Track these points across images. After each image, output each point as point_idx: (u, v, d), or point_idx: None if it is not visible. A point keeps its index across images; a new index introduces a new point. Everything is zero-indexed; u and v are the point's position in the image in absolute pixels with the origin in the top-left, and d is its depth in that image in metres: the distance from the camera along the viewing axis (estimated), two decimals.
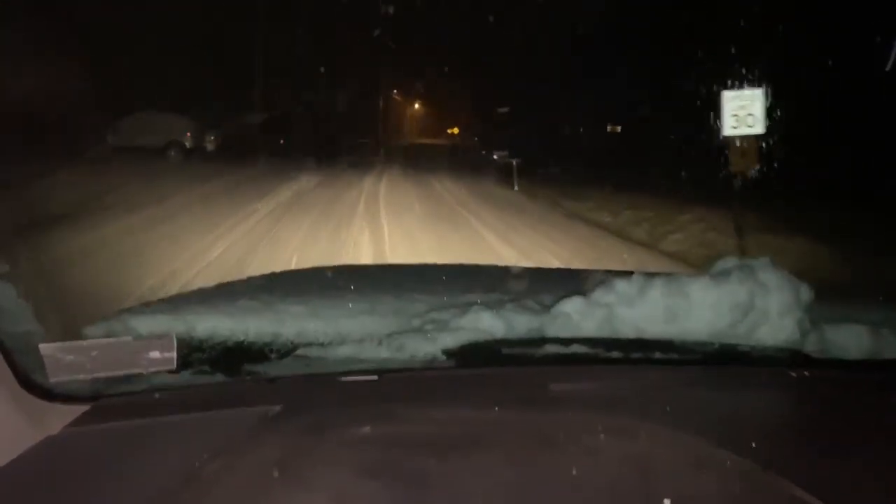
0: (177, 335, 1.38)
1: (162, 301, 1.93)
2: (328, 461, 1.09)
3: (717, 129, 9.05)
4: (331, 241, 9.27)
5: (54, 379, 1.21)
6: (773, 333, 1.65)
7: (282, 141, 27.77)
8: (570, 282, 1.97)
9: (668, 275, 1.81)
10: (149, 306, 1.80)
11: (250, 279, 2.34)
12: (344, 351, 1.60)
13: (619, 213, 13.63)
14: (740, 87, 8.87)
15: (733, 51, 10.91)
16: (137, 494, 1.04)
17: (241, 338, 1.65)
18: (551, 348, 1.63)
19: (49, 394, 1.22)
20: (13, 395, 1.15)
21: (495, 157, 23.59)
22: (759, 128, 8.38)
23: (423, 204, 14.23)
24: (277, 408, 1.27)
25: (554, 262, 8.45)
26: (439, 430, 1.23)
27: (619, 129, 25.21)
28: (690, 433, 1.18)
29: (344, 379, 1.46)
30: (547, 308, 1.77)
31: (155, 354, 1.29)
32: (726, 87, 8.84)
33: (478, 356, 1.63)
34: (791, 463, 1.10)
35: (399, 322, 1.77)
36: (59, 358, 1.21)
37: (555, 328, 1.70)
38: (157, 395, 1.37)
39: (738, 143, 8.80)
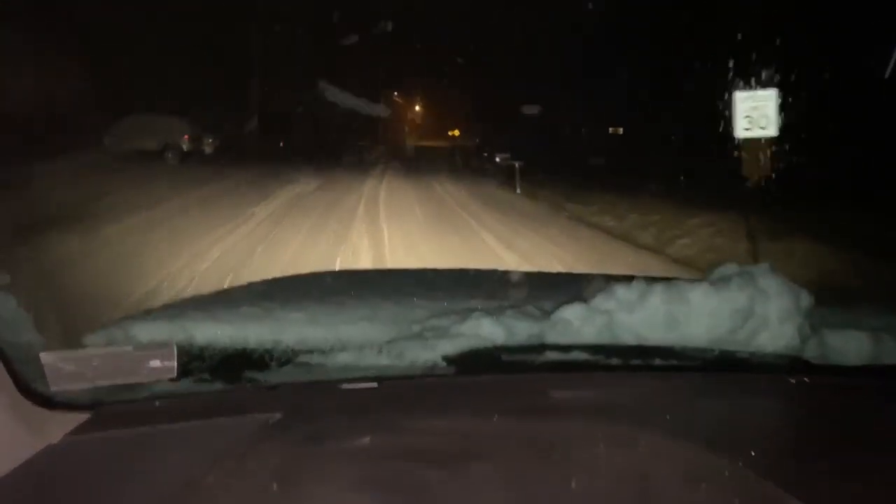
0: (177, 343, 1.40)
1: (162, 308, 1.94)
2: (327, 472, 1.11)
3: (725, 131, 8.95)
4: (329, 247, 9.23)
5: (55, 388, 1.23)
6: (773, 340, 1.67)
7: (281, 143, 27.83)
8: (571, 287, 1.99)
9: (668, 281, 1.83)
10: (149, 313, 1.82)
11: (250, 285, 2.36)
12: (344, 358, 1.61)
13: (624, 216, 13.55)
14: (746, 87, 8.71)
15: (738, 50, 10.85)
16: (138, 503, 1.06)
17: (242, 345, 1.66)
18: (551, 355, 1.65)
19: (49, 402, 1.24)
20: (14, 403, 1.17)
21: (497, 159, 23.57)
22: (772, 130, 8.23)
23: (425, 207, 14.21)
24: (278, 415, 1.29)
25: (558, 269, 8.43)
26: (439, 440, 1.24)
27: (620, 130, 25.21)
28: (690, 442, 1.20)
29: (344, 386, 1.47)
30: (547, 314, 1.79)
31: (155, 363, 1.30)
32: (729, 87, 8.73)
33: (478, 363, 1.64)
34: (790, 473, 1.11)
35: (399, 328, 1.78)
36: (60, 367, 1.23)
37: (555, 334, 1.72)
38: (157, 403, 1.39)
39: (750, 146, 8.66)
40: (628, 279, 1.86)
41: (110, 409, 1.35)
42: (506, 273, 2.47)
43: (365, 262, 8.42)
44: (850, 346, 1.69)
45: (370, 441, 1.24)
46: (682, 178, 14.44)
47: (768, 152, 8.75)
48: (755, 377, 1.66)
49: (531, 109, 25.46)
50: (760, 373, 1.68)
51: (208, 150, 22.57)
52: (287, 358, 1.62)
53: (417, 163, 28.18)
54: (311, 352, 1.63)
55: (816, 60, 11.74)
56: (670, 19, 17.59)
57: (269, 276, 2.53)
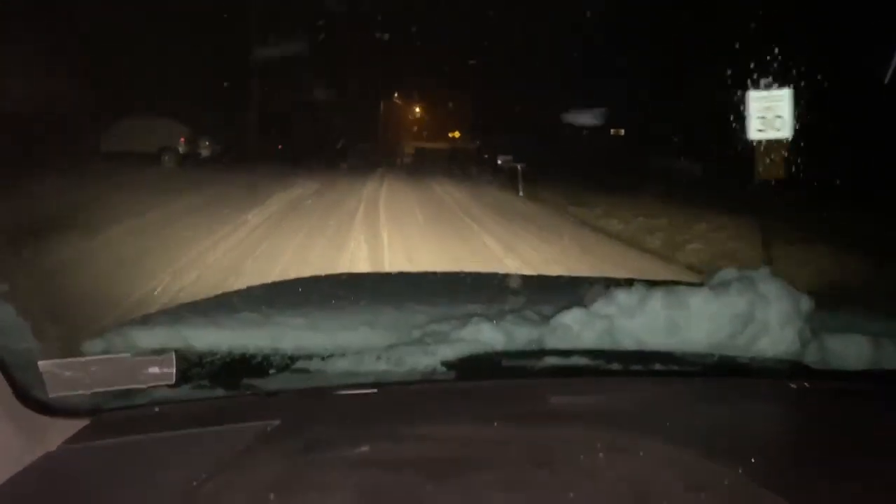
0: (176, 349, 1.42)
1: (161, 313, 1.96)
2: (326, 480, 1.12)
3: (731, 131, 8.81)
4: (326, 252, 9.19)
5: (53, 394, 1.24)
6: (774, 344, 1.68)
7: (280, 146, 27.89)
8: (571, 291, 2.01)
9: (668, 286, 1.85)
10: (148, 319, 1.84)
11: (250, 289, 2.38)
12: (343, 364, 1.62)
13: (631, 220, 13.41)
14: (756, 86, 8.55)
15: (747, 49, 10.75)
16: None
17: (241, 351, 1.67)
18: (551, 360, 1.66)
19: (48, 409, 1.25)
20: (11, 410, 1.18)
21: (499, 161, 23.61)
22: (787, 131, 7.90)
23: (425, 211, 14.16)
24: (276, 422, 1.30)
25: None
26: (437, 449, 1.26)
27: (622, 131, 25.25)
28: (689, 449, 1.21)
29: (343, 392, 1.49)
30: (547, 319, 1.80)
31: (154, 370, 1.32)
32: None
33: (477, 369, 1.66)
34: (791, 479, 1.13)
35: (398, 334, 1.79)
36: (58, 373, 1.24)
37: (555, 340, 1.74)
38: (156, 410, 1.40)
39: (763, 147, 8.30)
40: (628, 283, 1.88)
41: (109, 415, 1.36)
42: (505, 277, 2.49)
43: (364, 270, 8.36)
44: (850, 350, 1.70)
45: (369, 449, 1.25)
46: (688, 180, 14.37)
47: (783, 153, 8.61)
48: (755, 382, 1.68)
49: (532, 110, 25.50)
50: (761, 378, 1.70)
51: (205, 152, 22.62)
52: (286, 364, 1.63)
53: (418, 165, 28.24)
54: (310, 358, 1.64)
55: (826, 60, 11.66)
56: (673, 17, 17.58)
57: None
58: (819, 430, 1.41)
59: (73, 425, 1.29)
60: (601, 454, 1.19)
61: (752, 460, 1.16)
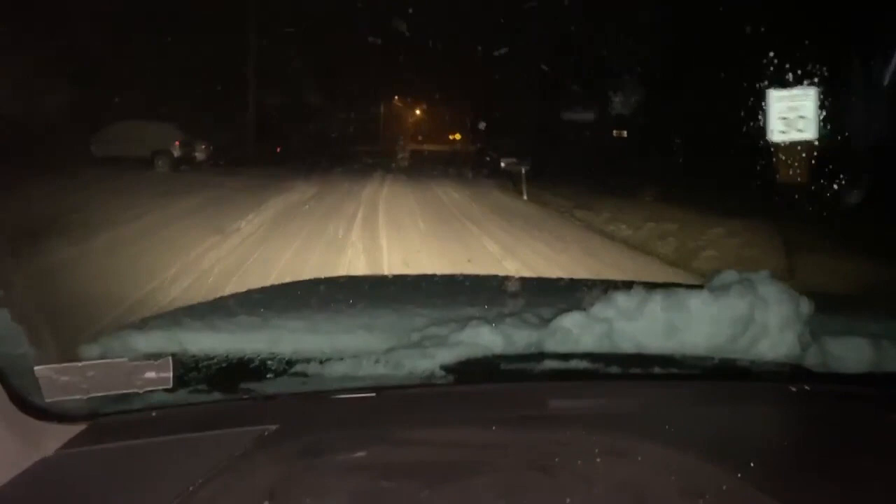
0: (174, 353, 1.44)
1: (158, 317, 1.98)
2: (323, 486, 1.14)
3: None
4: (323, 260, 9.09)
5: (50, 399, 1.26)
6: (774, 347, 1.71)
7: (277, 149, 27.89)
8: (570, 294, 2.04)
9: (667, 288, 1.87)
10: (145, 323, 1.85)
11: (248, 292, 2.40)
12: (341, 367, 1.64)
13: (640, 225, 13.17)
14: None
15: (758, 45, 10.55)
16: None
17: (239, 355, 1.69)
18: (550, 363, 1.69)
19: (44, 414, 1.27)
20: (8, 416, 1.20)
21: (503, 164, 23.61)
22: (810, 132, 7.65)
23: (427, 216, 14.05)
24: (274, 427, 1.32)
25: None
26: (436, 453, 1.28)
27: (624, 133, 25.20)
28: (689, 453, 1.24)
29: (341, 396, 1.52)
30: (546, 322, 1.83)
31: (151, 374, 1.34)
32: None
33: (476, 372, 1.68)
34: (790, 483, 1.16)
35: (397, 337, 1.82)
36: (55, 378, 1.26)
37: (554, 343, 1.76)
38: (153, 414, 1.42)
39: (783, 150, 8.14)
40: (627, 286, 1.91)
41: (106, 420, 1.38)
42: (504, 280, 2.51)
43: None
44: (850, 353, 1.72)
45: (368, 453, 1.27)
46: (698, 183, 14.16)
47: (807, 157, 8.34)
48: (755, 385, 1.70)
49: (533, 112, 25.52)
50: (760, 381, 1.72)
51: (200, 156, 22.55)
52: (284, 368, 1.65)
53: (419, 168, 28.17)
54: (307, 361, 1.66)
55: (847, 59, 11.45)
56: (681, 15, 17.53)
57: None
58: (819, 434, 1.43)
59: (70, 430, 1.31)
60: (600, 458, 1.21)
61: (752, 464, 1.19)
